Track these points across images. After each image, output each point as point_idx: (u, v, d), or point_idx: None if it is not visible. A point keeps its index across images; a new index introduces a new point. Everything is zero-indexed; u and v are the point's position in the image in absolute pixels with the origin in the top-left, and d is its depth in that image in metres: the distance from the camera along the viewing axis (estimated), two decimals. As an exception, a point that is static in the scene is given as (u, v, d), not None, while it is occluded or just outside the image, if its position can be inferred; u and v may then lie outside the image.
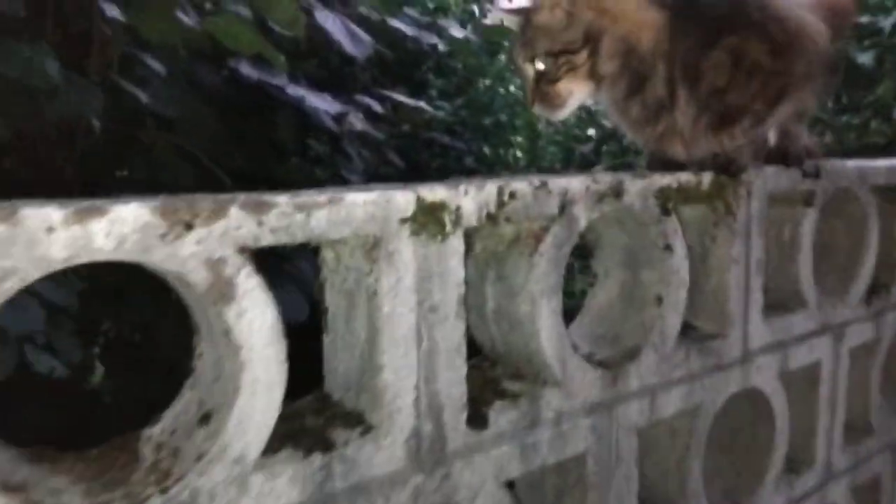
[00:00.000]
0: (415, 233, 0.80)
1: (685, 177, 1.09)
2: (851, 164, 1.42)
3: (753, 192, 1.21)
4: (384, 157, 3.32)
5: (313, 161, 2.88)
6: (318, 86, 2.81)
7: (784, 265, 1.35)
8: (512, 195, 0.89)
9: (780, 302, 1.34)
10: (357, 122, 2.43)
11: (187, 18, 1.90)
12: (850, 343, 1.48)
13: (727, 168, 1.15)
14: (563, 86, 1.07)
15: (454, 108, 4.30)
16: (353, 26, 2.60)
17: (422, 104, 3.48)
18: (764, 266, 1.25)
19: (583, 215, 0.96)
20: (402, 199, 0.79)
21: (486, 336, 1.02)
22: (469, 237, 0.97)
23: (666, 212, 1.07)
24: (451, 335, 0.85)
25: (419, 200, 0.80)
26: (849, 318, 1.47)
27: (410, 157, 3.87)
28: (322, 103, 2.35)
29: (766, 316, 1.27)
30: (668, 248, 1.08)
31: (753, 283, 1.24)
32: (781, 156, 1.28)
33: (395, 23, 2.92)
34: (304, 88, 2.42)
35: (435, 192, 0.82)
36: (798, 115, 1.29)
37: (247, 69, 2.45)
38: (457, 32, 2.89)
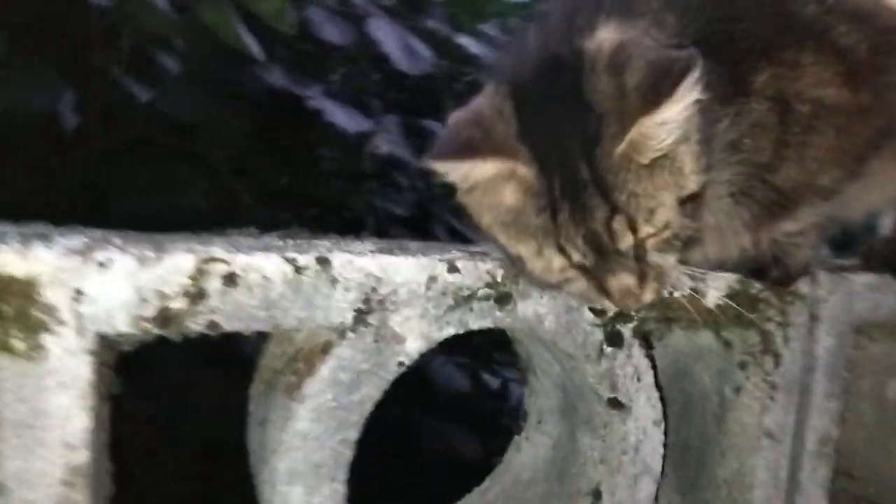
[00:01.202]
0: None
1: (662, 280, 0.59)
2: None
3: (823, 317, 0.68)
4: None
5: (358, 186, 2.54)
6: (388, 106, 2.49)
7: (884, 442, 0.79)
8: (231, 279, 0.45)
9: (867, 507, 0.78)
10: (384, 143, 2.06)
11: (166, 6, 1.62)
12: None
13: (764, 272, 0.63)
14: None
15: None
16: (412, 40, 2.26)
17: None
18: (832, 446, 0.71)
19: (413, 333, 0.50)
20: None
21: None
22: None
23: (615, 340, 0.57)
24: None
25: (-35, 273, 0.39)
26: None
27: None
28: (343, 118, 2.00)
29: (831, 534, 0.72)
30: (617, 403, 0.59)
31: (809, 474, 0.70)
32: (893, 256, 0.74)
33: (463, 39, 2.53)
34: (328, 101, 2.08)
35: (24, 259, 0.40)
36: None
37: (276, 76, 2.17)
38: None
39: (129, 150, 2.15)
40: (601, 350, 0.57)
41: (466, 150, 0.50)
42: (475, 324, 0.53)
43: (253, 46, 1.57)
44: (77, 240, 0.44)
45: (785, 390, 0.67)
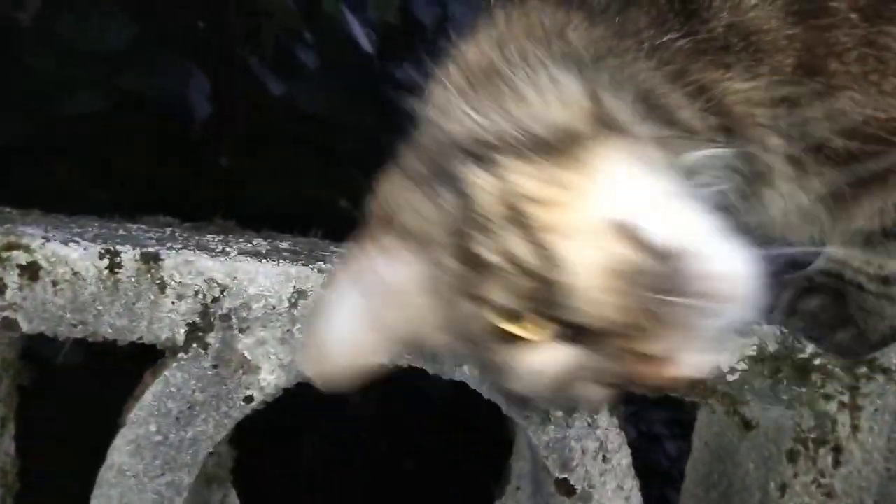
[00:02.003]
0: None
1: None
2: None
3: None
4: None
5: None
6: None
7: None
8: (33, 272, 0.37)
9: None
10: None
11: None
12: None
13: (820, 334, 0.44)
14: None
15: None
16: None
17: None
18: None
19: (269, 362, 0.40)
20: None
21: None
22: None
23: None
24: None
25: None
26: None
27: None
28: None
29: None
30: (568, 488, 0.43)
31: None
32: None
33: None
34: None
35: None
36: None
37: (403, 71, 2.14)
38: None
39: (261, 141, 2.21)
40: (547, 413, 0.43)
41: None
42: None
43: (361, 38, 1.53)
44: None
45: (849, 499, 0.47)
